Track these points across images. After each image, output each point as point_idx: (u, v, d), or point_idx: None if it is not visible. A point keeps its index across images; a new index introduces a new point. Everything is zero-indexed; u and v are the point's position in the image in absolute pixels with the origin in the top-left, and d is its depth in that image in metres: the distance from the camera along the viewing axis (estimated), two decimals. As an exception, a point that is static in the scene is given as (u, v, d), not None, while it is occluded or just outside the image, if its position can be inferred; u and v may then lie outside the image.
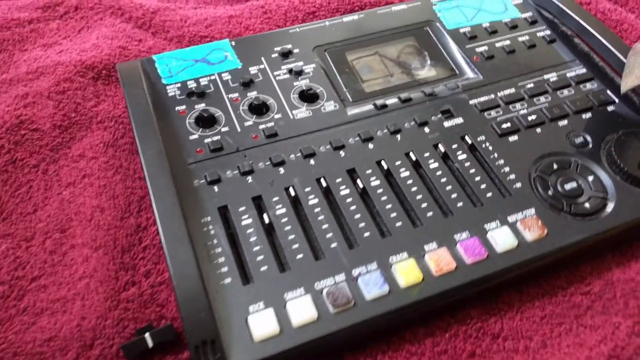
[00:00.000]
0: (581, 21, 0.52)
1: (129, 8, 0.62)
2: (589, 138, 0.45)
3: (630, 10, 0.61)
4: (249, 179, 0.41)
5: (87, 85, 0.53)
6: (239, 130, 0.44)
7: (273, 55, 0.50)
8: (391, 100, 0.47)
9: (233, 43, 0.51)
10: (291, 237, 0.38)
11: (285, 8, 0.59)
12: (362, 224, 0.39)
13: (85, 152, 0.48)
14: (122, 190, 0.45)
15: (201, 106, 0.46)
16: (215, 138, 0.43)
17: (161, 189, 0.39)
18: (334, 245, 0.37)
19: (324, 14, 0.59)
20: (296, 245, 0.37)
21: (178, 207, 0.37)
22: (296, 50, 0.51)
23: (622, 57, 0.48)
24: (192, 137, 0.43)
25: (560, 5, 0.54)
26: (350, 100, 0.48)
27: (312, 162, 0.42)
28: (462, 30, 0.53)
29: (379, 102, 0.47)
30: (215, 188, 0.40)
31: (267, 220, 0.39)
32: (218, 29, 0.58)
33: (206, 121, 0.44)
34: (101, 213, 0.43)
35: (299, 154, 0.43)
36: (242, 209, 0.39)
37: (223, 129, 0.44)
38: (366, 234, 0.38)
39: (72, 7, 0.64)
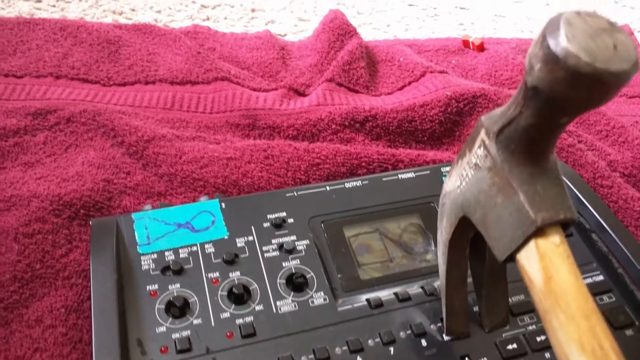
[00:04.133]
0: (598, 217, 0.48)
1: (122, 131, 0.58)
2: (603, 372, 0.40)
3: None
4: (216, 395, 0.36)
5: (60, 228, 0.49)
6: (213, 324, 0.39)
7: (265, 225, 0.46)
8: (388, 296, 0.43)
9: (223, 205, 0.47)
10: None
11: (288, 155, 0.55)
12: None
13: (43, 316, 0.43)
14: (77, 375, 0.40)
15: (176, 287, 0.41)
16: (185, 334, 0.38)
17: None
18: None
19: (328, 167, 0.55)
20: None
21: None
22: (290, 220, 0.46)
23: (643, 270, 0.44)
24: (159, 330, 0.38)
25: (577, 192, 0.50)
26: (343, 290, 0.43)
27: (291, 377, 0.37)
28: (472, 212, 0.49)
29: (374, 297, 0.42)
30: (175, 405, 0.35)
31: None
32: (213, 172, 0.54)
33: (178, 309, 0.39)
34: (45, 407, 0.38)
35: (277, 365, 0.38)
36: None
37: (195, 321, 0.39)
38: None
39: (63, 119, 0.61)
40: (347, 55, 0.71)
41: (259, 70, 0.72)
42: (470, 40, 0.82)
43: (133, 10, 0.89)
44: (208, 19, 0.89)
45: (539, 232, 0.29)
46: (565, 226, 0.30)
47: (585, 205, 0.49)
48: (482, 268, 0.38)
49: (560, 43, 0.25)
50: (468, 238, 0.37)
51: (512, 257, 0.30)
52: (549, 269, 0.28)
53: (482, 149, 0.32)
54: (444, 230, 0.37)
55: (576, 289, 0.28)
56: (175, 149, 0.56)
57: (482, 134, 0.32)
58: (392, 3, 0.97)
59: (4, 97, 0.65)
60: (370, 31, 0.90)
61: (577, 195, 0.50)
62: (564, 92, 0.26)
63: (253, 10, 0.91)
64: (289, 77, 0.70)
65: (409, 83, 0.70)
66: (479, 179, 0.32)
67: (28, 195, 0.51)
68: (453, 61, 0.79)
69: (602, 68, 0.25)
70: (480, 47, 0.82)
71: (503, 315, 0.40)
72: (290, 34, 0.87)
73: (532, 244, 0.29)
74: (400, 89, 0.71)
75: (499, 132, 0.31)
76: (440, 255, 0.39)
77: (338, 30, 0.75)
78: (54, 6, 0.89)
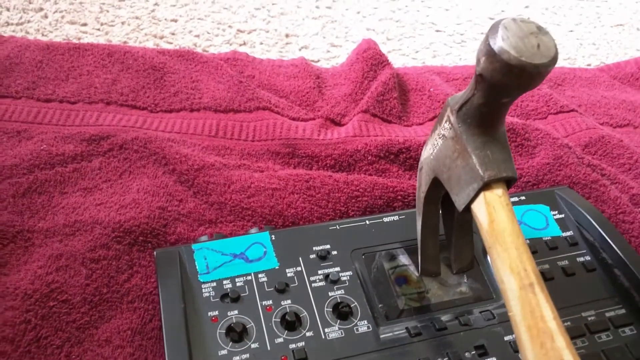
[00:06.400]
0: (620, 254, 0.52)
1: (173, 159, 0.63)
2: (625, 401, 0.44)
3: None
4: (274, 415, 0.40)
5: (122, 254, 0.53)
6: (269, 348, 0.44)
7: (311, 256, 0.50)
8: (425, 325, 0.47)
9: (273, 237, 0.51)
10: None
11: (329, 187, 0.59)
12: None
13: (112, 337, 0.47)
14: (144, 393, 0.44)
15: (234, 313, 0.45)
16: (244, 356, 0.43)
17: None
18: None
19: (366, 200, 0.59)
20: None
21: None
22: (334, 252, 0.50)
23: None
24: (221, 353, 0.43)
25: (601, 231, 0.54)
26: (384, 318, 0.47)
27: (339, 399, 0.41)
28: (502, 246, 0.53)
29: (413, 326, 0.46)
30: None
31: None
32: (260, 202, 0.58)
33: (237, 334, 0.44)
34: (119, 421, 0.42)
35: (327, 388, 0.42)
36: None
37: (253, 345, 0.43)
38: None
39: (116, 145, 0.65)
40: (380, 86, 0.75)
41: (297, 99, 0.76)
42: (497, 69, 0.85)
43: (173, 34, 0.94)
44: (245, 43, 0.93)
45: (486, 186, 0.38)
46: (508, 183, 0.38)
47: (608, 242, 0.53)
48: (451, 222, 0.47)
49: (497, 42, 0.34)
50: (439, 196, 0.45)
51: (468, 207, 0.39)
52: (492, 214, 0.37)
53: (447, 122, 0.41)
54: (420, 189, 0.46)
55: (511, 228, 0.36)
56: (224, 178, 0.61)
57: (448, 111, 0.41)
58: (421, 29, 1.01)
59: (60, 123, 0.70)
60: (399, 57, 0.94)
61: (600, 233, 0.54)
62: (501, 78, 0.34)
63: (287, 36, 0.95)
64: (325, 106, 0.74)
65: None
66: (445, 146, 0.41)
67: (91, 222, 0.55)
68: (480, 90, 0.82)
69: (527, 61, 0.33)
70: (506, 77, 0.85)
71: (468, 260, 0.48)
72: (323, 60, 0.91)
73: (481, 195, 0.38)
74: (431, 119, 0.74)
75: (459, 109, 0.39)
76: (417, 211, 0.47)
77: (371, 60, 0.79)
78: (98, 30, 0.93)
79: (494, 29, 0.35)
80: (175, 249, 0.49)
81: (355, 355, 0.44)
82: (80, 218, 0.56)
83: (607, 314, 0.49)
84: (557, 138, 0.67)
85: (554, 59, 0.34)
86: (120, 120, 0.71)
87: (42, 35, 0.90)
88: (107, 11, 0.98)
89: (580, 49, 1.01)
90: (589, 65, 0.97)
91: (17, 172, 0.60)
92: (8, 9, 0.95)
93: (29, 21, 0.93)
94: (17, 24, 0.92)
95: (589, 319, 0.49)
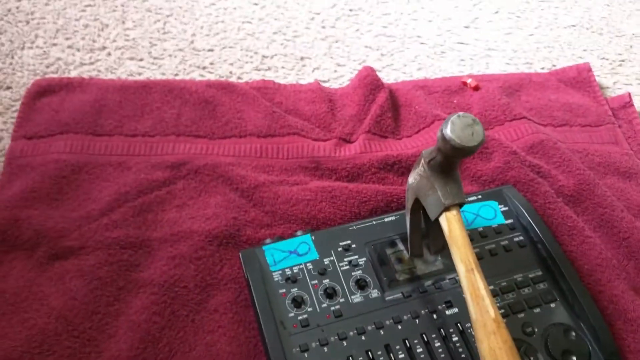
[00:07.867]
0: (540, 235, 0.79)
1: (236, 180, 0.89)
2: (535, 328, 0.72)
3: (583, 211, 0.88)
4: (326, 349, 0.69)
5: (214, 252, 0.81)
6: (318, 310, 0.72)
7: (339, 249, 0.77)
8: (413, 290, 0.75)
9: (313, 237, 0.78)
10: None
11: (346, 195, 0.86)
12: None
13: (218, 308, 0.76)
14: (245, 340, 0.73)
15: (294, 290, 0.73)
16: (304, 317, 0.71)
17: (276, 352, 0.67)
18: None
19: (372, 203, 0.86)
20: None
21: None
22: (354, 245, 0.78)
23: (561, 266, 0.76)
24: (290, 315, 0.71)
25: (529, 219, 0.81)
26: (388, 287, 0.75)
27: (363, 337, 0.70)
28: (463, 233, 0.80)
29: (406, 291, 0.74)
30: (306, 355, 0.68)
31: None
32: (300, 210, 0.85)
33: (298, 303, 0.72)
34: (233, 357, 0.71)
35: (355, 332, 0.70)
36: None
37: (309, 309, 0.72)
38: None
39: (192, 171, 0.92)
40: (378, 109, 1.00)
41: (316, 121, 1.02)
42: (468, 82, 1.11)
43: (212, 64, 1.18)
44: (269, 69, 1.18)
45: (446, 209, 0.62)
46: (460, 205, 0.62)
47: (533, 226, 0.80)
48: (429, 222, 0.69)
49: (447, 132, 0.58)
50: (420, 207, 0.68)
51: (436, 219, 0.63)
52: (450, 226, 0.62)
53: (422, 167, 0.65)
54: (408, 203, 0.71)
55: (461, 235, 0.61)
56: (273, 193, 0.88)
57: (423, 160, 0.65)
58: (409, 43, 1.25)
59: (147, 154, 0.96)
60: (391, 72, 1.19)
61: (529, 220, 0.81)
62: (451, 153, 0.59)
63: (302, 59, 1.20)
64: (338, 128, 1.00)
65: (423, 128, 1.00)
66: (421, 181, 0.65)
67: (189, 231, 0.83)
68: (454, 101, 1.08)
69: (465, 145, 0.58)
70: (476, 88, 1.10)
71: (441, 245, 0.72)
72: (332, 79, 1.16)
73: (444, 214, 0.63)
74: (417, 132, 1.00)
75: (429, 162, 0.64)
76: (406, 214, 0.72)
77: (370, 85, 1.04)
78: (153, 64, 1.18)
79: (446, 122, 0.59)
80: (253, 250, 0.76)
81: (371, 312, 0.72)
82: (181, 229, 0.84)
83: (530, 275, 0.77)
84: (508, 146, 0.93)
85: (482, 141, 0.60)
86: (190, 149, 0.97)
87: (111, 72, 1.14)
88: (156, 45, 1.21)
89: (537, 52, 1.25)
90: (542, 68, 1.21)
91: (130, 197, 0.87)
92: (78, 50, 1.18)
93: (97, 60, 1.17)
94: (89, 64, 1.16)
95: (518, 279, 0.77)
